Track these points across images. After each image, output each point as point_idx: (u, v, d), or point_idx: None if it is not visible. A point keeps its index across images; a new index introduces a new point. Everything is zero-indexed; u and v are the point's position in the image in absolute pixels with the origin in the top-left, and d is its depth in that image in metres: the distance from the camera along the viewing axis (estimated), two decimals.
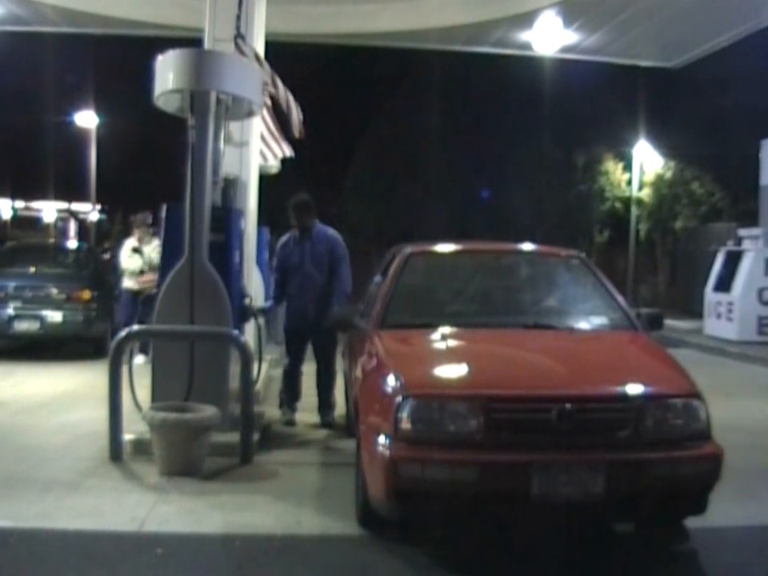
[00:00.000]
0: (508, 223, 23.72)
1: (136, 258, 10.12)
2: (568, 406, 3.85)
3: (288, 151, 8.93)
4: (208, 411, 5.40)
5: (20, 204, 30.55)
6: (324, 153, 26.75)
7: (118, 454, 5.55)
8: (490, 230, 23.49)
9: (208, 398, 5.58)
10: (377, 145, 27.66)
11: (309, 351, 7.12)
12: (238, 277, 6.31)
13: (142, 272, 10.04)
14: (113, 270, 11.16)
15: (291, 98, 7.96)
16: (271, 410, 7.16)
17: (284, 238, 7.11)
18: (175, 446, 5.25)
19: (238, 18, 7.39)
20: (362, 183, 28.18)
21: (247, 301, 6.36)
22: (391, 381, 4.13)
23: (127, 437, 5.67)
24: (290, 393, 7.07)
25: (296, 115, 7.94)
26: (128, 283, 10.13)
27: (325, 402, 6.99)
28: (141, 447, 5.61)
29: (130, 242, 10.34)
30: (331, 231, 7.04)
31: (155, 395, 5.74)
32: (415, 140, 26.75)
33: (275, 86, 7.63)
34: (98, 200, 28.51)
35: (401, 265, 5.55)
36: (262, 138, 8.43)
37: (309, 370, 7.19)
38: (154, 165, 26.63)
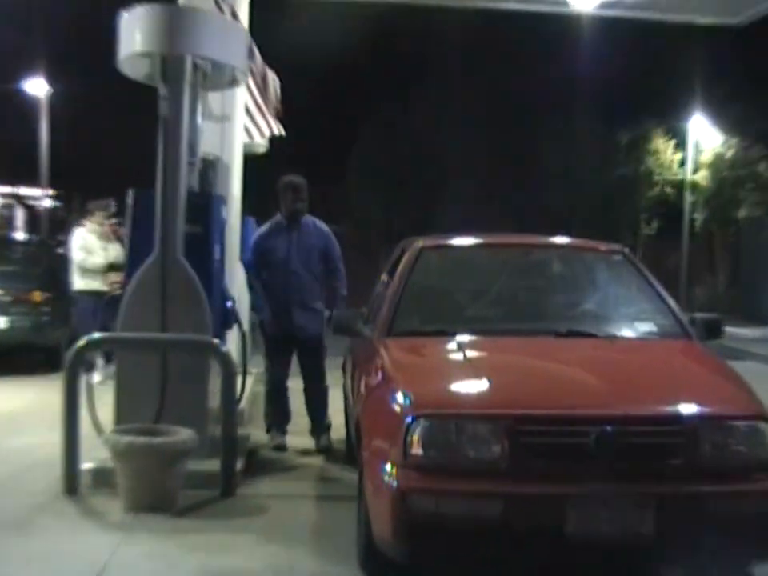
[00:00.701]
0: (538, 212, 23.77)
1: (97, 251, 9.94)
2: (609, 428, 3.86)
3: (277, 129, 8.97)
4: (183, 435, 5.42)
5: None
6: (324, 131, 26.85)
7: (75, 486, 5.54)
8: (516, 220, 23.48)
9: (183, 418, 5.59)
10: (386, 122, 27.73)
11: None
12: (219, 275, 6.34)
13: (110, 269, 9.78)
14: (63, 267, 10.92)
15: (269, 72, 8.01)
16: (258, 433, 7.17)
17: (264, 228, 7.06)
18: (143, 476, 5.26)
19: None
20: (368, 167, 28.19)
21: (230, 304, 6.38)
22: (399, 398, 4.15)
23: (86, 466, 5.67)
24: (278, 413, 7.07)
25: (273, 91, 8.00)
26: (84, 283, 9.89)
27: (319, 424, 7.01)
28: (102, 478, 5.60)
29: (83, 233, 10.07)
30: (322, 224, 7.04)
31: (120, 416, 5.77)
32: (431, 117, 26.79)
33: (252, 55, 7.68)
34: (52, 184, 28.57)
35: (411, 261, 5.57)
36: (248, 111, 8.48)
37: (295, 387, 7.19)
38: (118, 143, 26.62)
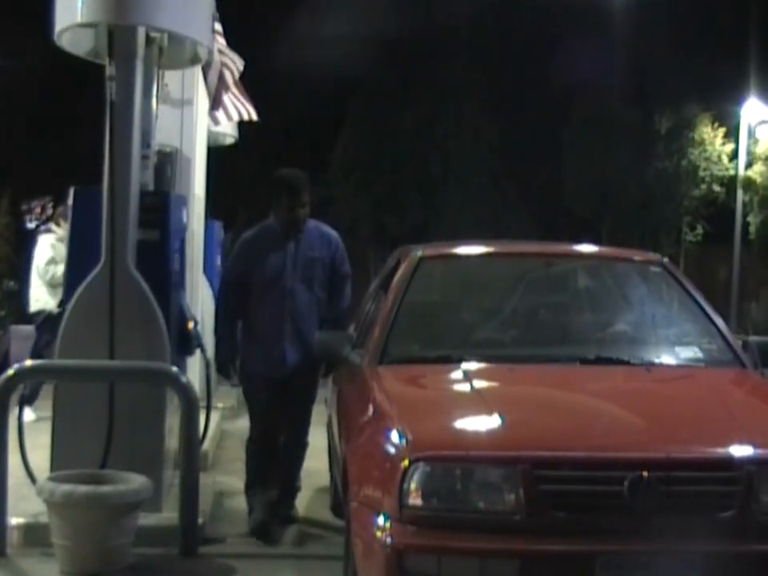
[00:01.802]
0: (561, 215, 23.81)
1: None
2: (646, 474, 3.84)
3: (247, 112, 8.97)
4: (134, 482, 5.41)
5: None
6: (304, 117, 26.83)
7: (1, 546, 5.51)
8: (535, 225, 23.58)
9: (134, 463, 5.58)
10: (380, 106, 27.73)
11: None
12: (179, 291, 6.35)
13: None
14: (24, 281, 10.56)
15: (227, 50, 8.06)
16: (224, 480, 7.19)
17: (250, 234, 6.49)
18: (86, 532, 5.24)
19: None
20: (357, 159, 28.21)
21: (191, 325, 6.38)
22: (394, 438, 4.13)
23: (15, 521, 5.64)
24: (266, 485, 6.39)
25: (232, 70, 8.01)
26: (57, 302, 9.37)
27: (289, 486, 6.56)
28: (34, 535, 5.58)
29: (52, 241, 9.61)
30: (329, 229, 6.54)
31: (57, 460, 5.75)
32: (435, 101, 26.83)
33: (216, 19, 7.72)
34: None
35: (408, 273, 5.57)
36: (213, 91, 8.49)
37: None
38: (56, 131, 26.70)
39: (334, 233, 6.50)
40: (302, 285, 6.26)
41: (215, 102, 8.62)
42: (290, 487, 6.59)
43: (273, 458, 6.49)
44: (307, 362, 6.21)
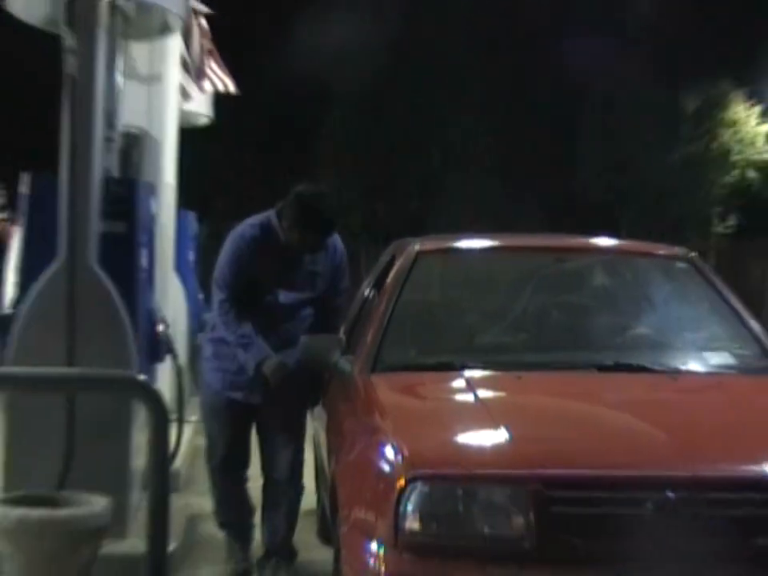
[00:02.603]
0: (576, 205, 23.81)
1: None
2: (671, 494, 3.84)
3: (223, 84, 8.93)
4: (96, 505, 5.36)
5: None
6: (287, 94, 26.76)
7: None
8: (546, 215, 23.60)
9: (96, 483, 5.54)
10: (371, 79, 27.65)
11: None
12: (147, 290, 6.36)
13: None
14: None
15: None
16: (198, 501, 7.16)
17: (249, 231, 6.07)
18: (41, 561, 5.16)
19: None
20: (347, 142, 28.14)
21: (161, 328, 6.38)
22: (389, 454, 4.15)
23: None
24: (238, 523, 6.36)
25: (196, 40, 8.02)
26: None
27: (280, 545, 6.23)
28: None
29: None
30: (337, 239, 6.24)
31: (10, 480, 5.74)
32: (435, 76, 26.79)
33: None
34: None
35: (404, 271, 5.60)
36: (184, 64, 8.47)
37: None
38: (10, 110, 26.69)
39: (339, 243, 6.23)
40: (296, 301, 6.06)
41: (200, 72, 8.58)
42: (283, 547, 6.22)
43: (245, 500, 6.35)
44: (291, 384, 5.96)
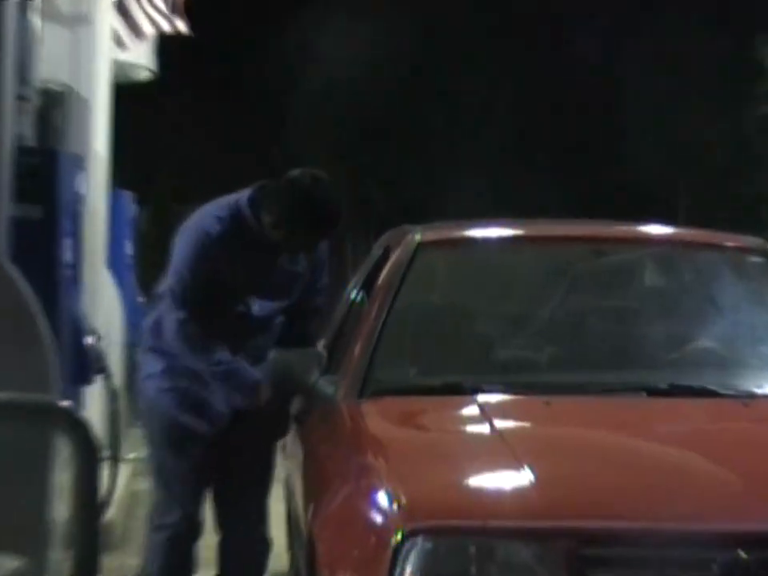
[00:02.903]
0: (622, 185, 23.81)
1: None
2: (743, 554, 3.79)
3: (169, 23, 8.88)
4: (5, 567, 5.24)
5: None
6: (255, 40, 26.69)
7: None
8: (580, 198, 23.63)
9: (7, 538, 5.41)
10: (360, 36, 27.64)
11: None
12: (72, 292, 6.31)
13: None
14: None
15: None
16: (137, 563, 6.99)
17: (216, 225, 5.89)
18: None
19: None
20: (331, 110, 28.13)
21: (90, 341, 6.34)
22: (382, 501, 4.09)
23: None
24: None
25: None
26: None
27: None
28: None
29: None
30: None
31: None
32: (437, 31, 26.78)
33: None
34: None
35: (402, 266, 5.57)
36: (118, 2, 8.43)
37: None
38: None
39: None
40: (272, 312, 6.03)
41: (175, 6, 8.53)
42: None
43: (190, 557, 6.21)
44: (259, 412, 5.87)
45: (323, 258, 6.14)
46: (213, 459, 6.02)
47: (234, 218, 5.80)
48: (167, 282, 5.94)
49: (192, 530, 6.12)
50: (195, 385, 5.93)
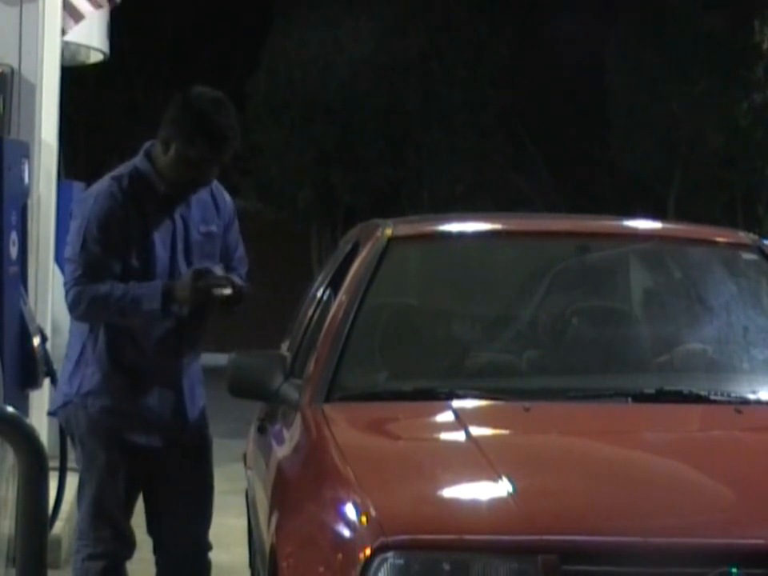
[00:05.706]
0: (605, 175, 23.86)
1: None
2: (736, 570, 3.82)
3: None
4: None
5: None
6: (212, 18, 26.64)
7: None
8: (565, 189, 23.68)
9: None
10: (325, 4, 27.57)
11: None
12: (17, 289, 6.28)
13: None
14: None
15: None
16: None
17: (109, 185, 5.92)
18: None
19: None
20: (292, 88, 28.02)
21: (37, 342, 6.30)
22: (350, 514, 4.13)
23: None
24: None
25: None
26: None
27: None
28: None
29: None
30: (222, 190, 6.17)
31: None
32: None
33: None
34: None
35: (372, 263, 5.57)
36: None
37: None
38: None
39: (226, 193, 6.19)
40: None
41: None
42: None
43: None
44: (196, 413, 5.96)
45: (235, 224, 6.15)
46: (141, 478, 6.02)
47: (134, 176, 5.84)
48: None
49: (126, 546, 6.10)
50: (141, 388, 5.91)
